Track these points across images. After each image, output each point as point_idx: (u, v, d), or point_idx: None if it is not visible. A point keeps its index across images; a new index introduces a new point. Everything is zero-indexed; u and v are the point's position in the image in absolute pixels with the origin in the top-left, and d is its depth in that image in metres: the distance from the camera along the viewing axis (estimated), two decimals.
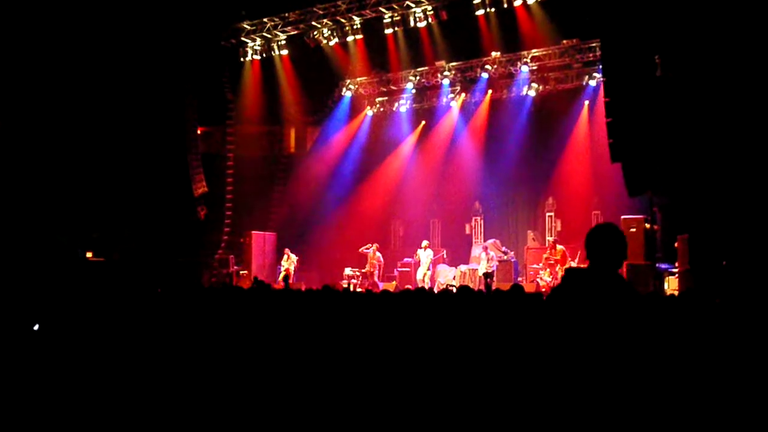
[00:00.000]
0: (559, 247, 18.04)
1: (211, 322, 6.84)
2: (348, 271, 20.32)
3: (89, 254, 17.60)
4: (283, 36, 20.31)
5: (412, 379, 4.80)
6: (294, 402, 4.82)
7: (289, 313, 7.04)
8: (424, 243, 19.52)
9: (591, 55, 18.25)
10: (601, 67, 16.58)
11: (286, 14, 19.80)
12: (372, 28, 19.25)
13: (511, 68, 19.72)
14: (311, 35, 19.78)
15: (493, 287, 15.70)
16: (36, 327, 6.72)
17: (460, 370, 4.78)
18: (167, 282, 15.80)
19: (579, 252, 18.00)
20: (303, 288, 15.66)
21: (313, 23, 19.52)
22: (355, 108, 22.85)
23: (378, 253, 19.86)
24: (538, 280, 17.66)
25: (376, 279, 19.59)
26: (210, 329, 6.55)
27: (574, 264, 17.60)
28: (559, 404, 3.35)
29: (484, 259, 18.20)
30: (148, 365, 5.60)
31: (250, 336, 6.24)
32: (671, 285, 14.67)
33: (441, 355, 5.05)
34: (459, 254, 20.76)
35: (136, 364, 5.60)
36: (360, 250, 19.86)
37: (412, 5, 18.14)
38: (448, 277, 19.34)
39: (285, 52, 20.54)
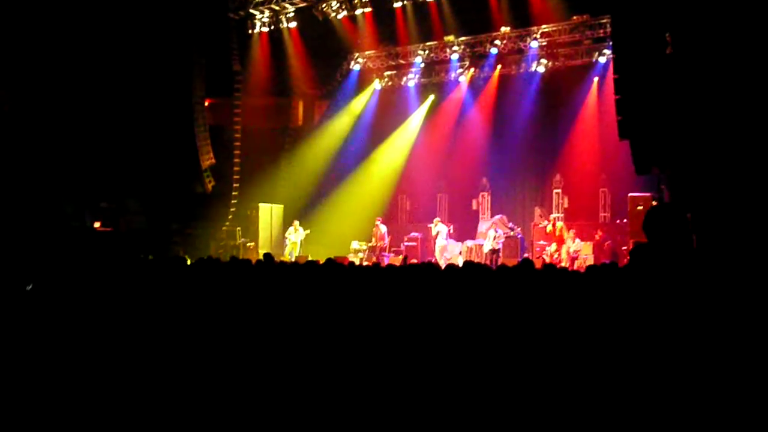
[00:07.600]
0: (558, 224, 18.16)
1: (218, 294, 6.89)
2: (355, 244, 20.40)
3: (97, 224, 17.71)
4: (291, 8, 20.19)
5: (419, 355, 4.82)
6: (297, 379, 4.84)
7: (295, 287, 7.08)
8: (436, 219, 19.95)
9: (601, 31, 18.13)
10: (611, 43, 16.45)
11: None
12: (381, 1, 19.11)
13: (521, 44, 19.60)
14: (320, 8, 19.65)
15: (499, 263, 15.78)
16: (29, 287, 6.79)
17: (468, 347, 4.79)
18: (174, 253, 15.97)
19: (574, 230, 18.03)
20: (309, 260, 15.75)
21: None
22: (363, 81, 22.78)
23: (381, 227, 20.05)
24: (544, 256, 17.72)
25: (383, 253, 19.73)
26: (216, 301, 6.60)
27: (570, 241, 17.63)
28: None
29: (491, 237, 18.22)
30: (151, 335, 5.64)
31: (257, 308, 6.29)
32: None
33: (448, 330, 5.08)
34: (466, 230, 20.80)
35: (139, 334, 5.64)
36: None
37: None
38: (454, 252, 19.40)
39: (293, 24, 20.44)
